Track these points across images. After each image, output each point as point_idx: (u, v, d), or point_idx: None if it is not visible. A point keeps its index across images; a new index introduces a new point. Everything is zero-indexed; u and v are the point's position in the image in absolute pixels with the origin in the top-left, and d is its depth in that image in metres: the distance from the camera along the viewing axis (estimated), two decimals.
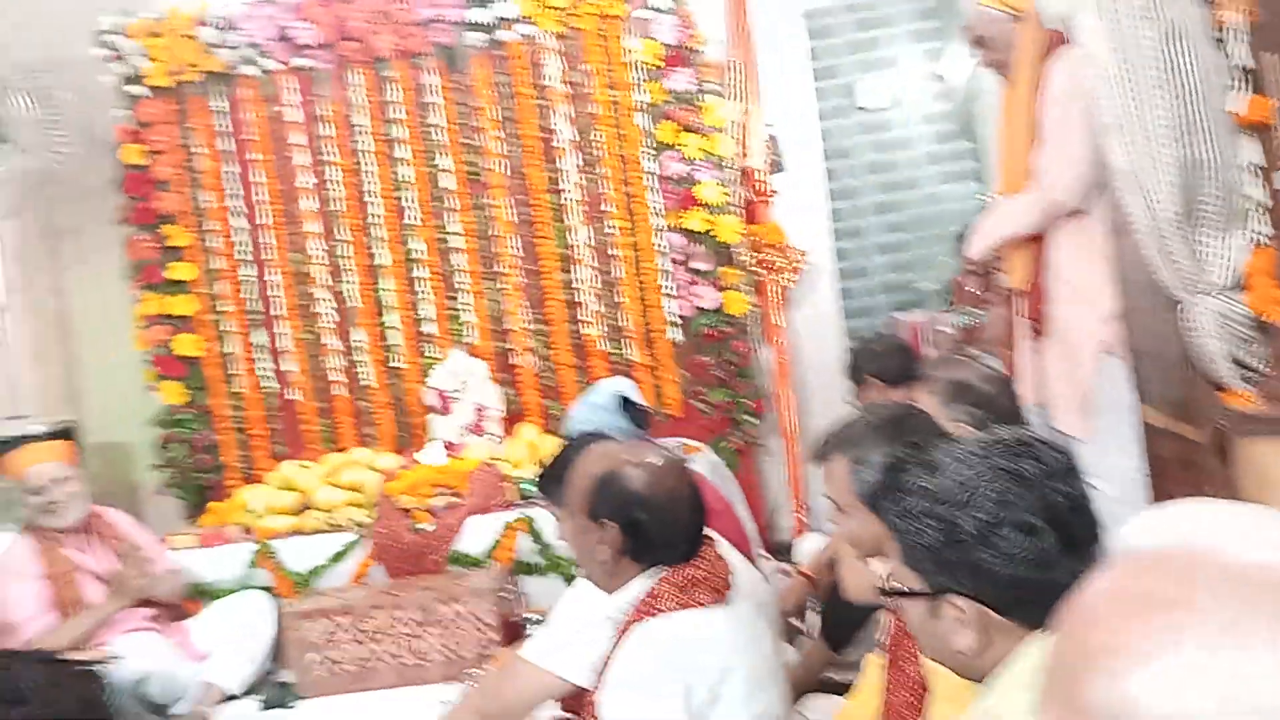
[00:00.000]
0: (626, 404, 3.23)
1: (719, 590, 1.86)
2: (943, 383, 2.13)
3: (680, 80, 4.29)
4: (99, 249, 4.72)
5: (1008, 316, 2.92)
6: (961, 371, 2.18)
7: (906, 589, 1.22)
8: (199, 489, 4.60)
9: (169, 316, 4.57)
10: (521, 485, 3.90)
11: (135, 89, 4.51)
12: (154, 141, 4.51)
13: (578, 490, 1.92)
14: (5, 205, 4.43)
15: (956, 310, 3.53)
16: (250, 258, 4.56)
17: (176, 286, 4.57)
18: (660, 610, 1.82)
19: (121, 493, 4.51)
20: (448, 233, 4.46)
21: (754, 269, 4.38)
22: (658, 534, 1.87)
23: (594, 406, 3.21)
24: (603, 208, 4.43)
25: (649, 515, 1.85)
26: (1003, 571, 1.13)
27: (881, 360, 3.15)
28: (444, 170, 4.46)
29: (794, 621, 2.69)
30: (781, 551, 3.90)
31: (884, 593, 1.27)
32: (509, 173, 4.45)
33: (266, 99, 4.51)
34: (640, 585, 1.87)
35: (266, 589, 3.77)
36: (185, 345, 4.58)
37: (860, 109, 5.06)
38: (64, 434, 4.21)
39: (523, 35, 4.37)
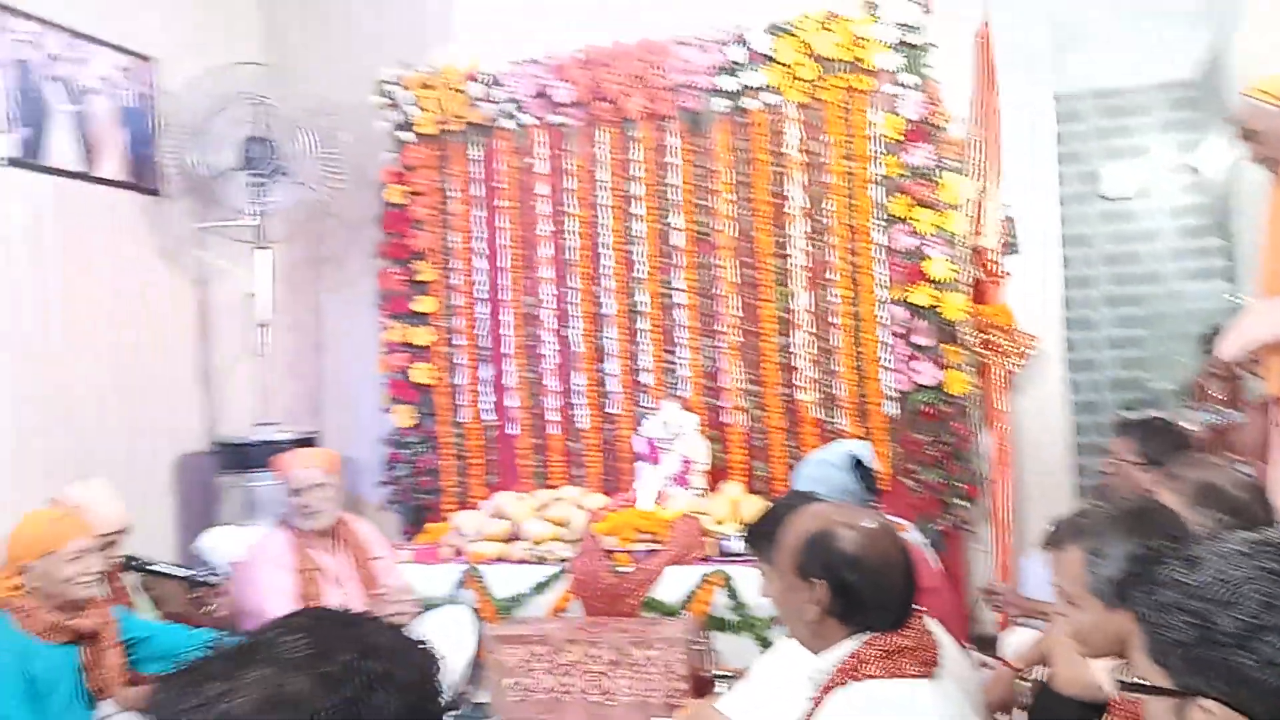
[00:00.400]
0: (858, 466, 3.19)
1: (926, 664, 1.80)
2: (1191, 483, 2.01)
3: (919, 155, 4.25)
4: (355, 277, 5.08)
5: (1263, 425, 2.72)
6: (1212, 474, 2.05)
7: (1151, 685, 1.16)
8: (417, 508, 4.79)
9: (409, 345, 4.82)
10: (722, 541, 3.91)
11: (404, 135, 4.84)
12: (414, 184, 4.80)
13: (788, 547, 1.89)
14: (280, 231, 4.68)
15: (1202, 409, 3.31)
16: (486, 297, 4.78)
17: (419, 318, 4.82)
18: (864, 675, 1.77)
19: (347, 504, 4.70)
20: (673, 288, 4.55)
21: (978, 350, 4.25)
22: (868, 597, 1.83)
23: (824, 463, 3.19)
24: (827, 276, 4.40)
25: (859, 577, 1.81)
26: (1263, 679, 1.06)
27: (1162, 440, 2.95)
28: (675, 228, 4.55)
29: (999, 717, 2.56)
30: (985, 645, 3.71)
31: (1124, 686, 1.21)
32: (737, 235, 4.52)
33: (518, 150, 4.73)
34: (845, 648, 1.84)
35: (474, 610, 3.89)
36: (420, 373, 4.81)
37: (1103, 197, 4.86)
38: (308, 443, 4.53)
39: (766, 104, 4.43)
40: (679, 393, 4.52)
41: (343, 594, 3.45)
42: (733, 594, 3.70)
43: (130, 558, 3.21)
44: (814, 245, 4.41)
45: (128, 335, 4.45)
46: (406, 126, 4.79)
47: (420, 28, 4.94)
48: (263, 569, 3.39)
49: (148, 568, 3.24)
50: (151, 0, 4.60)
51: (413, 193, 4.80)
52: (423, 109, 4.75)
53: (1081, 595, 1.74)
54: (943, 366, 4.23)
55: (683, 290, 4.53)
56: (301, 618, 0.92)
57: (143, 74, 4.57)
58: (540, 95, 4.66)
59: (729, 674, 3.19)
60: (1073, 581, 1.75)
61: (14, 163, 3.81)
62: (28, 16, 4.04)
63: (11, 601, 2.67)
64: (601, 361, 4.60)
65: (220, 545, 4.12)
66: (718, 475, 4.39)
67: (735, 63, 4.42)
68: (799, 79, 4.38)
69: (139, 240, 4.52)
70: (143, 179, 4.54)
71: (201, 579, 3.32)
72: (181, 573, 3.32)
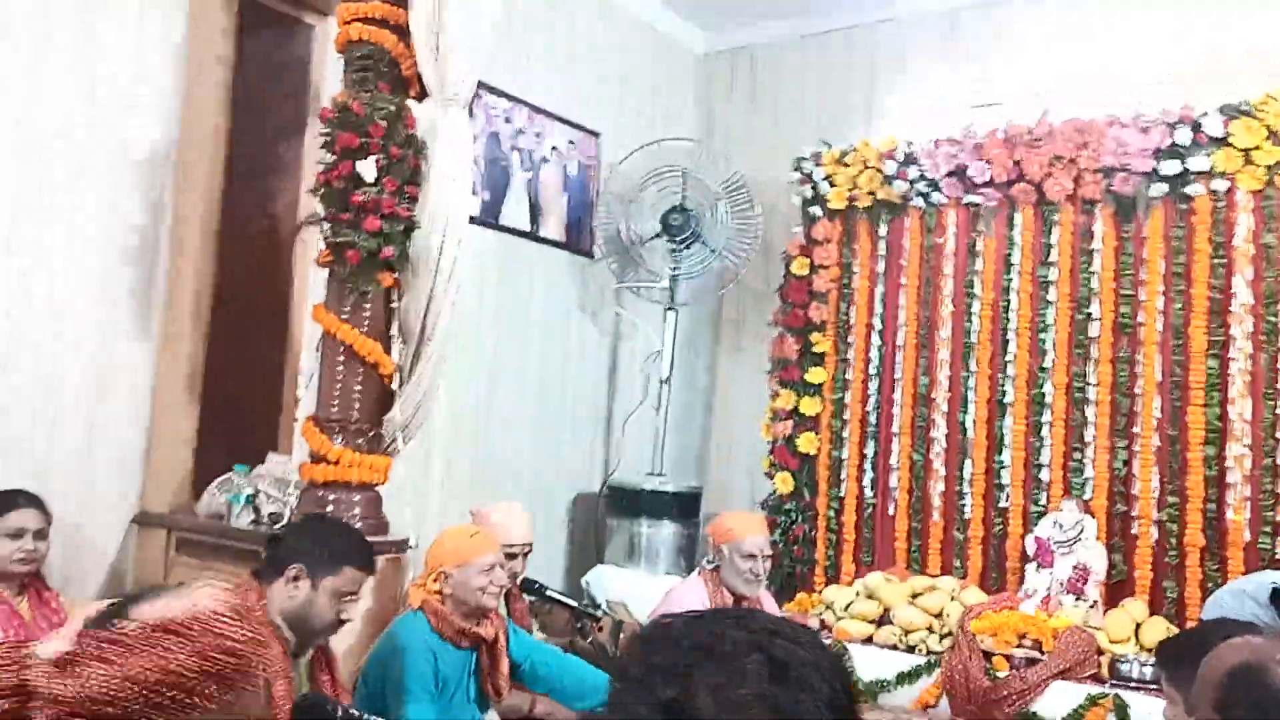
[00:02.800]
0: (1277, 598, 2.71)
1: None
2: None
3: None
4: (751, 343, 5.14)
5: None
6: None
7: None
8: (787, 575, 4.70)
9: (797, 413, 4.79)
10: (1119, 663, 3.46)
11: (813, 210, 4.83)
12: (819, 257, 4.80)
13: (1209, 680, 1.62)
14: (687, 294, 4.83)
15: None
16: (879, 373, 4.68)
17: (809, 388, 4.78)
18: None
19: None
20: (1085, 382, 4.23)
21: None
22: None
23: (1239, 593, 2.76)
24: (1277, 384, 3.83)
25: None
26: None
27: None
28: (1093, 318, 4.25)
29: None
30: None
31: None
32: (1166, 330, 4.12)
33: (927, 229, 4.63)
34: None
35: None
36: (805, 443, 4.76)
37: None
38: (693, 498, 4.67)
39: (1212, 190, 3.98)
40: (1080, 494, 4.18)
41: None
42: None
43: (530, 580, 3.34)
44: (1261, 348, 3.88)
45: (549, 378, 4.75)
46: (817, 201, 4.80)
47: (843, 109, 5.01)
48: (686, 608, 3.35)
49: (544, 592, 3.33)
50: (606, 83, 4.98)
51: (816, 266, 4.81)
52: (834, 185, 4.75)
53: None
54: None
55: (1096, 385, 4.21)
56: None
57: (588, 147, 4.99)
58: (955, 174, 4.51)
59: None
60: None
61: (473, 220, 4.10)
62: (503, 95, 4.51)
63: (430, 603, 2.81)
64: (997, 451, 4.35)
65: (604, 582, 4.37)
66: (1116, 590, 4.04)
67: (1179, 145, 3.98)
68: (1254, 164, 3.87)
69: (567, 296, 4.85)
70: (578, 241, 4.89)
71: (587, 610, 3.38)
72: (571, 601, 3.39)
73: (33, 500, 2.76)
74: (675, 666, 0.90)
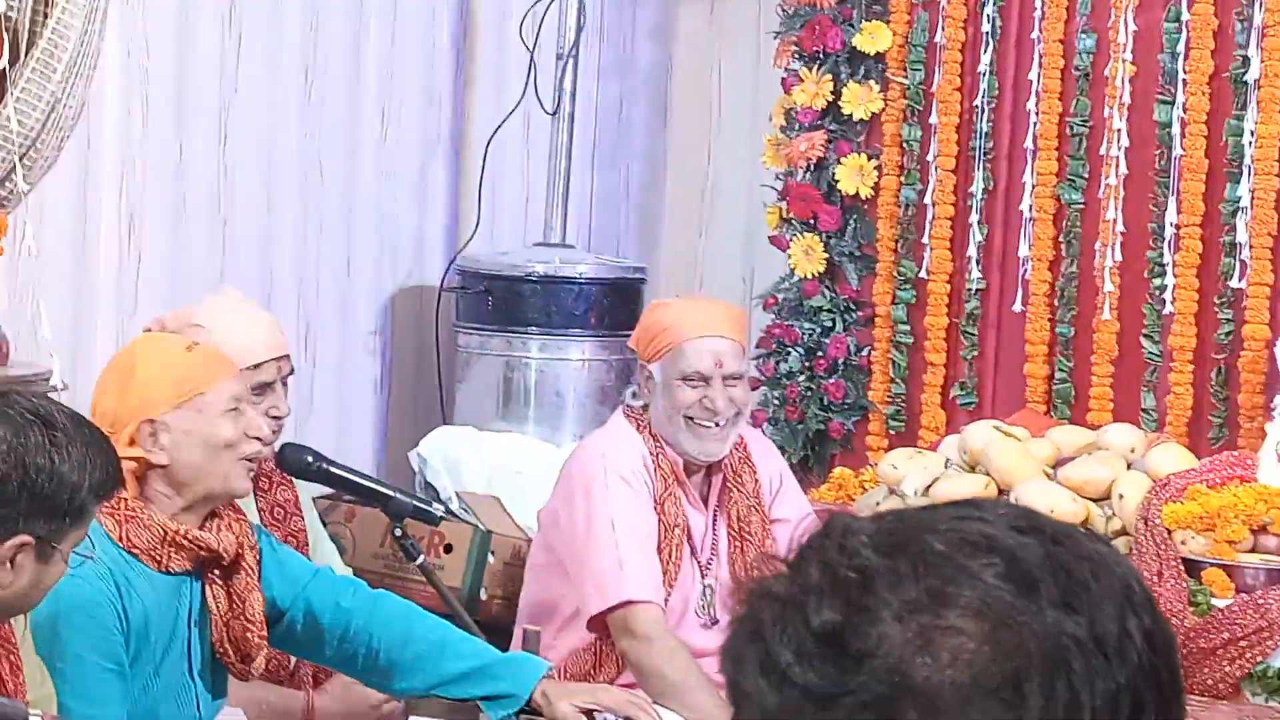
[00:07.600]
0: None
1: None
2: None
3: None
4: None
5: None
6: None
7: None
8: (815, 435, 4.22)
9: (833, 117, 4.12)
10: None
11: None
12: None
13: None
14: None
15: None
16: (998, 28, 3.96)
17: (860, 65, 4.11)
18: None
19: None
20: None
21: None
22: None
23: None
24: None
25: None
26: None
27: None
28: None
29: None
30: None
31: None
32: None
33: None
34: None
35: None
36: (849, 174, 4.13)
37: None
38: (632, 288, 4.16)
39: None
40: None
41: (704, 586, 3.13)
42: None
43: (296, 447, 2.96)
44: None
45: (327, 54, 4.05)
46: None
47: None
48: (614, 493, 3.00)
49: (327, 468, 2.98)
50: None
51: None
52: None
53: None
54: None
55: None
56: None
57: None
58: None
59: None
60: None
61: None
62: None
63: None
64: (1231, 182, 3.81)
65: (453, 457, 4.09)
66: None
67: None
68: None
69: None
70: None
71: (418, 506, 2.98)
72: (386, 490, 2.97)
73: None
74: (843, 577, 0.74)
